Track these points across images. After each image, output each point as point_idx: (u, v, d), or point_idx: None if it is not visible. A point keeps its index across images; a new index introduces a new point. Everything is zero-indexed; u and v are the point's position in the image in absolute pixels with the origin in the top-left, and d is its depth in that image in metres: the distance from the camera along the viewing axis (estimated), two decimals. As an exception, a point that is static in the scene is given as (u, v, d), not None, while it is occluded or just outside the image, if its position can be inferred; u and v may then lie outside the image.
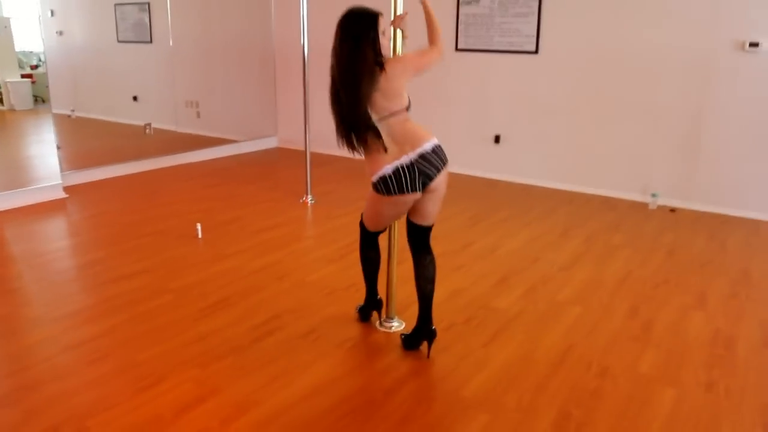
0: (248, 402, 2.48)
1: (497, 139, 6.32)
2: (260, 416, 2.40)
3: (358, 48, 2.54)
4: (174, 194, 5.64)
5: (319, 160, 6.96)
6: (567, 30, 5.74)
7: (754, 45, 4.95)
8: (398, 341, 2.99)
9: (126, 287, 3.59)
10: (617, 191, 5.78)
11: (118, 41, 6.64)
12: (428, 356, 2.87)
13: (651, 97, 5.46)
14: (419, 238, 2.85)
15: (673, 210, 5.40)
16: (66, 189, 5.53)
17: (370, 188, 2.73)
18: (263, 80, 7.87)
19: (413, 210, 2.78)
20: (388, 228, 3.04)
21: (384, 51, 2.63)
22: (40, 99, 5.94)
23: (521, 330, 3.16)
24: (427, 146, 2.63)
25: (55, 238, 4.49)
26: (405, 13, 2.80)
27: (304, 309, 3.33)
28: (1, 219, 4.83)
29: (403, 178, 2.60)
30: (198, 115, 7.30)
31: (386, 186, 2.63)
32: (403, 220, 2.88)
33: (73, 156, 6.00)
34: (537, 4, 5.80)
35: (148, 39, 6.73)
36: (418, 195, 2.66)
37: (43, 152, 5.64)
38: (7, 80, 5.75)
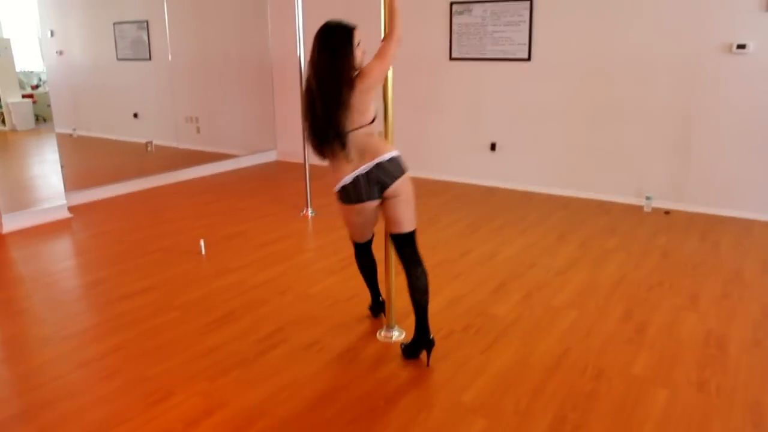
0: (255, 413, 2.57)
1: (493, 147, 6.42)
2: (267, 427, 2.49)
3: (334, 60, 2.65)
4: (177, 211, 5.74)
5: (319, 172, 7.03)
6: (558, 37, 5.85)
7: (741, 47, 5.05)
8: (399, 350, 3.08)
9: (133, 304, 3.68)
10: (612, 195, 5.88)
11: (118, 59, 6.74)
12: (428, 365, 2.96)
13: (642, 101, 5.56)
14: (402, 248, 2.95)
15: (667, 212, 5.49)
16: (70, 209, 5.64)
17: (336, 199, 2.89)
18: (261, 94, 7.99)
19: (386, 220, 2.92)
20: (385, 238, 3.13)
21: (357, 63, 2.72)
22: (41, 118, 6.03)
23: (518, 336, 3.25)
24: (385, 156, 2.77)
25: (62, 257, 4.59)
26: None
27: (307, 321, 3.42)
28: (8, 240, 4.93)
29: (362, 187, 2.76)
30: (198, 130, 7.40)
31: (347, 195, 2.81)
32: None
33: (76, 175, 6.10)
34: (528, 12, 5.91)
35: (147, 56, 6.83)
36: (376, 202, 2.82)
37: (47, 172, 5.74)
38: (9, 101, 5.84)
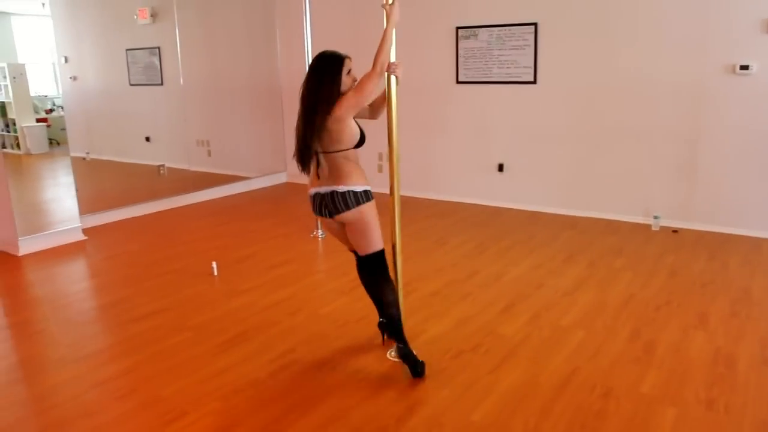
0: (268, 432, 2.62)
1: (500, 168, 6.48)
2: (279, 446, 2.53)
3: (318, 86, 2.88)
4: (189, 233, 5.82)
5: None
6: (563, 60, 5.93)
7: (744, 68, 5.11)
8: (409, 370, 3.12)
9: (146, 326, 3.74)
10: (620, 214, 5.91)
11: (130, 84, 6.87)
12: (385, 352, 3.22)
13: (648, 121, 5.62)
14: (361, 265, 3.18)
15: (675, 231, 5.52)
16: (85, 231, 5.73)
17: None
18: (271, 117, 8.10)
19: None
20: (393, 258, 3.18)
21: (344, 90, 2.91)
22: (54, 142, 6.16)
23: (527, 355, 3.28)
24: (340, 188, 2.95)
25: (77, 279, 4.67)
26: (399, 64, 2.98)
27: (318, 341, 3.47)
28: (24, 262, 5.02)
29: (316, 204, 3.06)
30: (209, 153, 7.51)
31: (311, 204, 3.12)
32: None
33: (90, 198, 6.19)
34: (533, 37, 6.00)
35: (159, 81, 6.96)
36: (327, 219, 3.07)
37: (61, 195, 5.84)
38: (23, 125, 5.96)
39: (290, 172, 8.31)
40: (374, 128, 6.53)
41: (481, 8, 6.27)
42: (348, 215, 2.98)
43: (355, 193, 2.97)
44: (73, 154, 6.00)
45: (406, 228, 3.16)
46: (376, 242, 3.06)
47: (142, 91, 6.99)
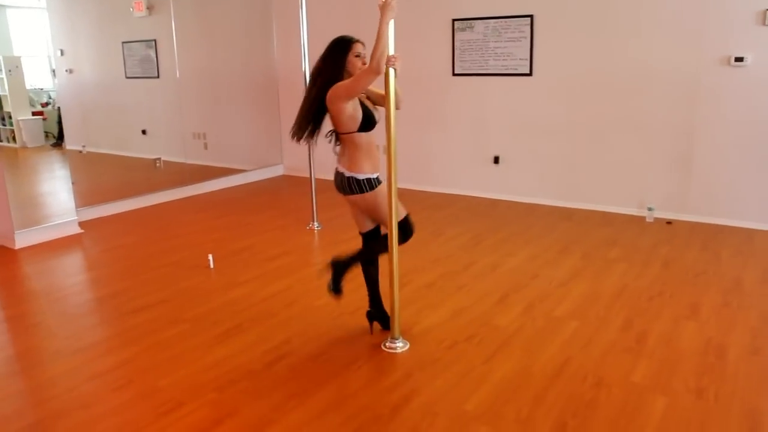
0: (263, 422, 2.65)
1: (496, 160, 6.50)
2: (274, 435, 2.56)
3: (324, 64, 3.10)
4: (186, 226, 5.84)
5: (325, 186, 7.12)
6: (559, 52, 5.94)
7: (739, 60, 5.13)
8: (404, 360, 3.15)
9: (143, 318, 3.77)
10: (614, 206, 5.94)
11: (127, 77, 6.88)
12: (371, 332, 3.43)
13: (643, 113, 5.64)
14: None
15: (669, 222, 5.55)
16: (81, 224, 5.75)
17: None
18: (268, 109, 8.11)
19: None
20: (390, 252, 3.21)
21: (352, 70, 3.09)
22: (51, 135, 6.16)
23: (520, 345, 3.31)
24: (345, 172, 3.19)
25: (73, 272, 4.69)
26: (398, 57, 2.99)
27: (314, 333, 3.50)
28: (21, 255, 5.04)
29: (335, 181, 3.27)
30: (206, 146, 7.52)
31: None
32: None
33: (86, 191, 6.21)
34: (529, 29, 6.01)
35: (156, 74, 6.96)
36: (342, 196, 3.27)
37: (57, 188, 5.86)
38: (20, 118, 5.96)
39: (287, 165, 8.32)
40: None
41: (478, 0, 6.27)
42: (355, 198, 3.21)
43: (357, 180, 3.15)
44: (69, 147, 6.01)
45: (362, 220, 3.21)
46: (388, 217, 3.16)
47: (138, 84, 6.99)
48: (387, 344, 3.31)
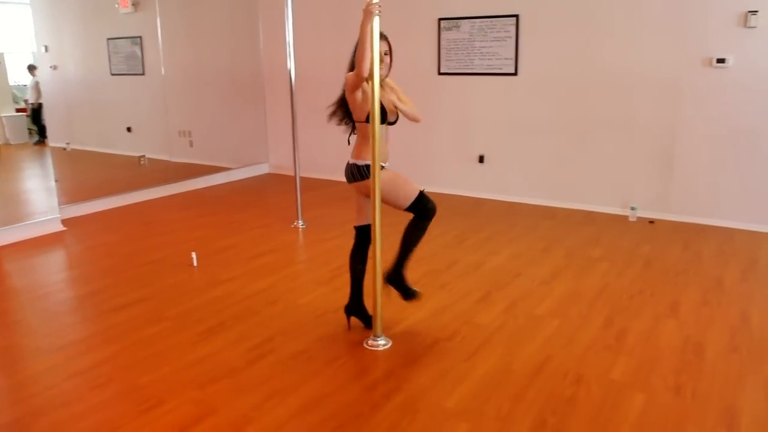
0: (244, 420, 2.64)
1: (481, 159, 6.53)
2: (255, 433, 2.57)
3: (352, 59, 3.19)
4: (170, 223, 5.82)
5: (310, 184, 7.16)
6: (544, 52, 5.98)
7: (720, 61, 5.18)
8: (386, 358, 3.16)
9: (125, 315, 3.75)
10: (598, 205, 5.99)
11: (112, 74, 6.83)
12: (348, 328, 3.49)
13: (626, 114, 5.68)
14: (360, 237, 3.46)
15: (652, 222, 5.60)
16: (64, 222, 5.71)
17: None
18: (254, 108, 8.09)
19: None
20: (374, 248, 3.22)
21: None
22: (34, 132, 6.12)
23: (502, 343, 3.33)
24: (352, 161, 3.33)
25: (55, 270, 4.66)
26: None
27: (296, 331, 3.50)
28: (2, 253, 5.00)
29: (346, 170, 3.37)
30: (191, 144, 7.49)
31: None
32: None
33: (70, 188, 6.17)
34: (514, 28, 6.04)
35: (141, 71, 6.93)
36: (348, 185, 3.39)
37: (40, 186, 5.81)
38: (2, 115, 5.91)
39: (272, 163, 8.31)
40: (353, 119, 6.30)
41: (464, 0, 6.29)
42: (358, 185, 3.31)
43: (359, 167, 3.28)
44: (53, 145, 5.97)
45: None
46: (403, 198, 3.27)
47: (123, 81, 6.95)
48: (369, 342, 3.31)
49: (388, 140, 3.36)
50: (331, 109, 3.48)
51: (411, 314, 3.69)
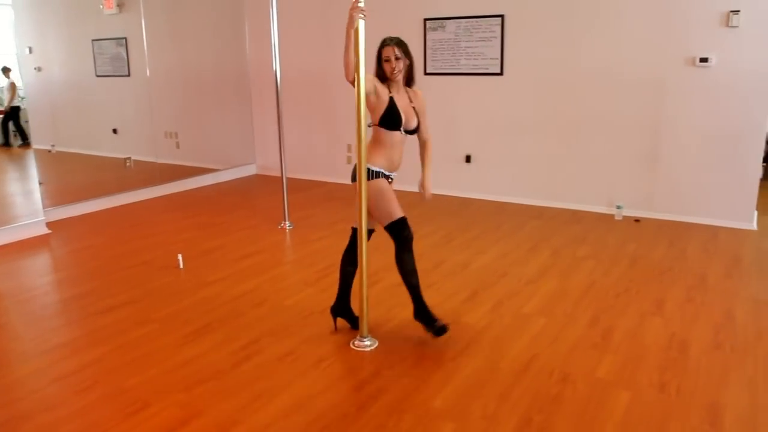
0: (229, 422, 2.64)
1: (468, 159, 6.54)
2: (241, 435, 2.56)
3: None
4: (156, 225, 5.79)
5: (297, 185, 7.14)
6: (529, 52, 6.00)
7: (704, 60, 5.23)
8: (372, 359, 3.17)
9: (111, 318, 3.73)
10: (584, 204, 6.02)
11: (97, 75, 6.79)
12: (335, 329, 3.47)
13: (612, 113, 5.72)
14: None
15: (637, 220, 5.64)
16: (49, 224, 5.67)
17: None
18: (240, 109, 8.07)
19: None
20: (360, 249, 3.22)
21: (392, 75, 3.20)
22: (16, 135, 6.07)
23: (488, 343, 3.34)
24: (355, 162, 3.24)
25: (40, 273, 4.63)
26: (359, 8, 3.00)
27: (282, 332, 3.50)
28: (-14, 257, 4.96)
29: None
30: (177, 145, 7.46)
31: None
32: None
33: (55, 191, 6.13)
34: (500, 28, 6.06)
35: (126, 72, 6.89)
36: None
37: (25, 188, 5.76)
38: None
39: (259, 164, 8.29)
40: (343, 120, 6.65)
41: (449, 0, 6.30)
42: (355, 186, 3.20)
43: (355, 169, 3.20)
44: (37, 147, 5.92)
45: (356, 211, 3.21)
46: (384, 216, 3.23)
47: (108, 83, 6.91)
48: (356, 343, 3.32)
49: (400, 150, 3.34)
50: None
51: (397, 315, 3.69)
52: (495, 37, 6.11)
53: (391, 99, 3.21)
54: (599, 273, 4.35)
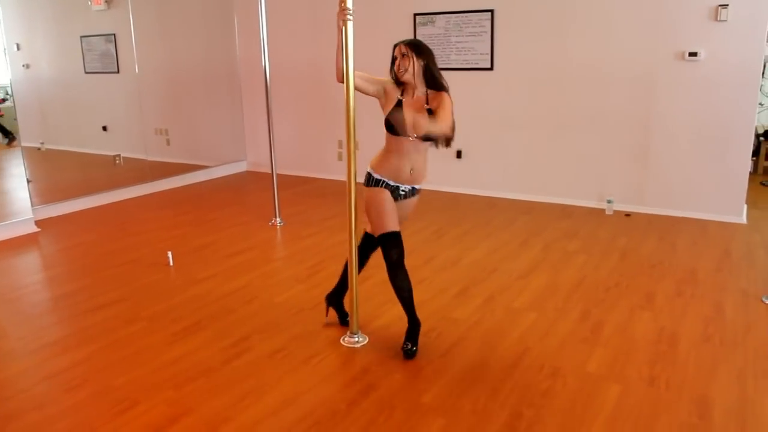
0: (219, 420, 2.63)
1: (459, 154, 6.54)
2: (231, 432, 2.55)
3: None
4: (146, 223, 5.77)
5: (288, 182, 7.13)
6: (519, 47, 6.00)
7: (693, 55, 5.24)
8: (362, 355, 3.16)
9: (100, 317, 3.71)
10: (574, 199, 6.03)
11: (86, 72, 6.74)
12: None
13: (601, 108, 5.73)
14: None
15: (628, 215, 5.65)
16: (38, 223, 5.63)
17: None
18: (231, 105, 8.03)
19: None
20: (350, 245, 3.21)
21: (398, 73, 3.09)
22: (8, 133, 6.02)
23: (478, 338, 3.34)
24: None
25: (29, 272, 4.60)
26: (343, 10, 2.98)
27: (273, 329, 3.49)
28: (-26, 255, 4.92)
29: None
30: (168, 142, 7.42)
31: None
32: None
33: (44, 189, 6.08)
34: (489, 23, 6.05)
35: (115, 69, 6.84)
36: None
37: (13, 186, 5.72)
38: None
39: (250, 161, 8.26)
40: (334, 116, 6.61)
41: (438, -5, 6.30)
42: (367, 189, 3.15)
43: (369, 174, 3.17)
44: (27, 144, 5.88)
45: (363, 215, 3.21)
46: (376, 226, 3.12)
47: (97, 79, 6.86)
48: (346, 339, 3.31)
49: (415, 159, 3.16)
50: None
51: (388, 311, 3.69)
52: (485, 32, 6.11)
53: (399, 102, 3.09)
54: (590, 267, 4.36)
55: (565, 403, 2.72)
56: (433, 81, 3.14)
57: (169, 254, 4.62)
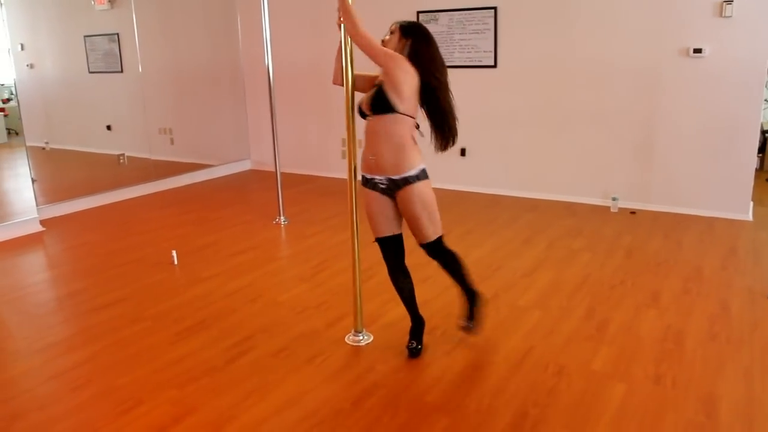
0: (223, 419, 2.62)
1: (463, 152, 6.53)
2: (235, 432, 2.55)
3: None
4: (150, 222, 5.77)
5: (292, 180, 7.12)
6: (523, 44, 5.97)
7: (697, 51, 5.21)
8: (368, 353, 3.15)
9: (105, 316, 3.71)
10: (579, 196, 6.00)
11: (90, 72, 6.75)
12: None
13: (606, 105, 5.70)
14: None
15: (633, 212, 5.62)
16: (43, 222, 5.64)
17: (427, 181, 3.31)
18: (234, 104, 8.03)
19: None
20: (353, 244, 3.20)
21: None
22: (13, 132, 6.03)
23: (483, 336, 3.33)
24: None
25: (34, 271, 4.60)
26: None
27: (276, 328, 3.48)
28: (-21, 255, 4.93)
29: None
30: (172, 141, 7.42)
31: None
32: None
33: (49, 188, 6.09)
34: (493, 21, 6.03)
35: (119, 68, 6.85)
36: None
37: (19, 186, 5.73)
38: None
39: (254, 159, 8.26)
40: (337, 114, 6.57)
41: (442, -8, 6.28)
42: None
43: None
44: (31, 144, 5.88)
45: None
46: (372, 228, 3.12)
47: (101, 79, 6.86)
48: (350, 337, 3.30)
49: (372, 140, 3.15)
50: None
51: (392, 309, 3.67)
52: (488, 30, 6.08)
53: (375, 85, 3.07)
54: (595, 265, 4.34)
55: (570, 401, 2.71)
56: (420, 64, 2.99)
57: (174, 253, 4.62)
